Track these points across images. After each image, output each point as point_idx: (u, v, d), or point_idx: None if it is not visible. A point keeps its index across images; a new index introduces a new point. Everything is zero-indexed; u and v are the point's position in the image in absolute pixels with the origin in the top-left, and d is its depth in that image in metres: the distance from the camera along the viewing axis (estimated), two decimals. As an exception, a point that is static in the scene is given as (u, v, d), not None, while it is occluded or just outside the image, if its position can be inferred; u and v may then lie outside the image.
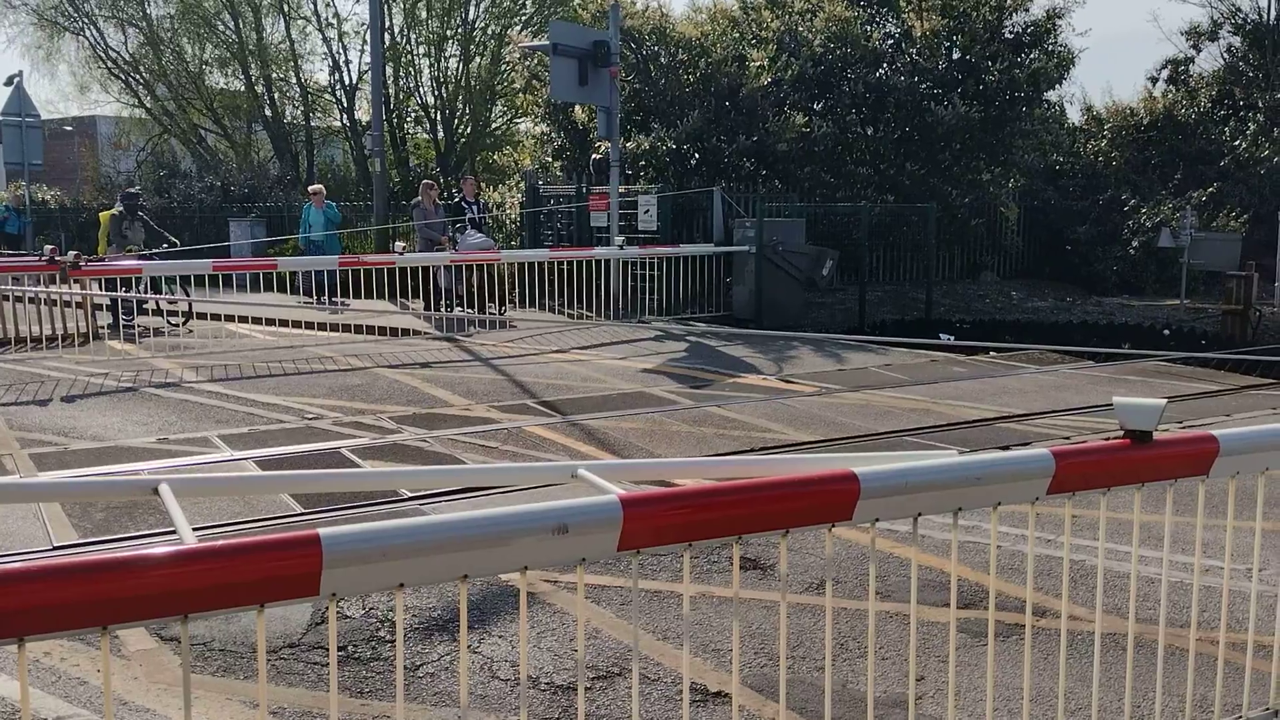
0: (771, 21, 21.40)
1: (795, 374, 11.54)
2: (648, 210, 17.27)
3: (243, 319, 14.87)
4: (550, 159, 22.13)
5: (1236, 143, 25.07)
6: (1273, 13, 27.12)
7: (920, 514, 2.63)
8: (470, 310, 15.53)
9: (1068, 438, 8.38)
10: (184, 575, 1.86)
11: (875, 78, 21.04)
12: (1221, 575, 3.77)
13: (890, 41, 22.19)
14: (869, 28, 21.62)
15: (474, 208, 17.30)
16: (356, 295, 15.26)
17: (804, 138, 19.71)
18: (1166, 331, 18.03)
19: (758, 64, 20.04)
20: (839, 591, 5.05)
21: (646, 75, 20.20)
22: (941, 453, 2.81)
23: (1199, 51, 28.86)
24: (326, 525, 2.10)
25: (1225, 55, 28.29)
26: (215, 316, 14.91)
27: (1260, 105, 26.23)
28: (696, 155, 19.70)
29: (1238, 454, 2.98)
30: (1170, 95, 27.42)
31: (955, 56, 21.76)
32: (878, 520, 2.53)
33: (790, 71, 20.24)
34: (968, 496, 2.66)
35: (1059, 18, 22.45)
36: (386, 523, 2.12)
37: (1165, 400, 2.86)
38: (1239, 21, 27.74)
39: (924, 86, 21.00)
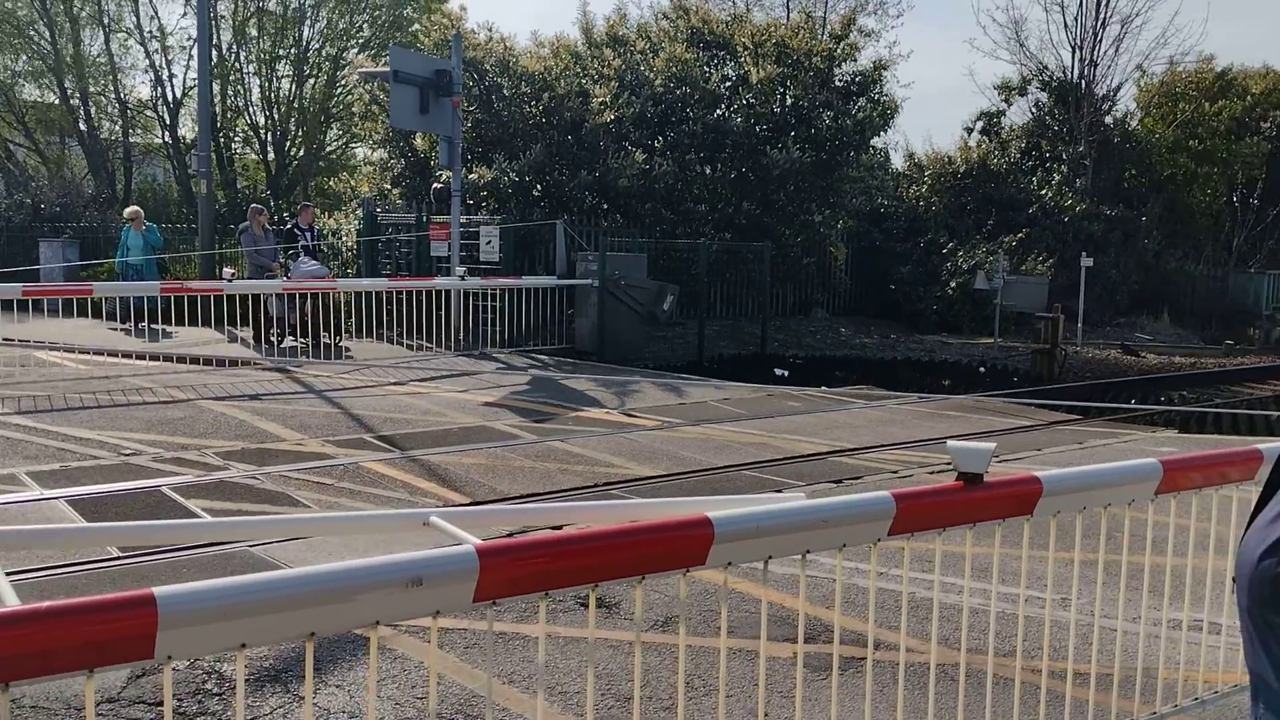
0: (614, 59, 21.73)
1: (637, 408, 11.63)
2: (490, 241, 17.17)
3: (53, 347, 13.94)
4: (389, 186, 21.75)
5: (1043, 191, 26.89)
6: (1075, 71, 29.33)
7: (771, 557, 2.68)
8: (303, 340, 15.03)
9: (896, 471, 8.74)
10: (5, 640, 1.71)
11: (714, 119, 21.62)
12: (1044, 606, 3.98)
13: (728, 84, 22.87)
14: (708, 70, 22.23)
15: (308, 234, 16.80)
16: (180, 323, 14.54)
17: (645, 174, 20.04)
18: (982, 369, 19.09)
19: (600, 100, 20.28)
20: (687, 630, 5.08)
21: (489, 106, 20.14)
22: (790, 497, 2.87)
23: (1010, 105, 30.92)
24: (151, 568, 1.98)
25: (1033, 110, 30.39)
26: (23, 343, 13.93)
27: (1064, 157, 28.26)
28: (539, 187, 19.74)
29: (1059, 494, 3.17)
30: (984, 146, 29.23)
31: (789, 102, 22.59)
32: (730, 564, 2.56)
33: (632, 109, 20.57)
34: (815, 539, 2.73)
35: (884, 69, 23.66)
36: (228, 580, 2.00)
37: (994, 444, 3.02)
38: (1046, 79, 29.85)
39: (760, 129, 21.71)
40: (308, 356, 14.42)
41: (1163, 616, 4.14)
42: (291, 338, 15.27)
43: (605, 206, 20.60)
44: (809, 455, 9.32)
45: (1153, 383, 18.19)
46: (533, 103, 20.14)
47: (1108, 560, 3.72)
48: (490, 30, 21.09)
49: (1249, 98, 30.62)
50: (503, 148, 19.87)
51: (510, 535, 4.19)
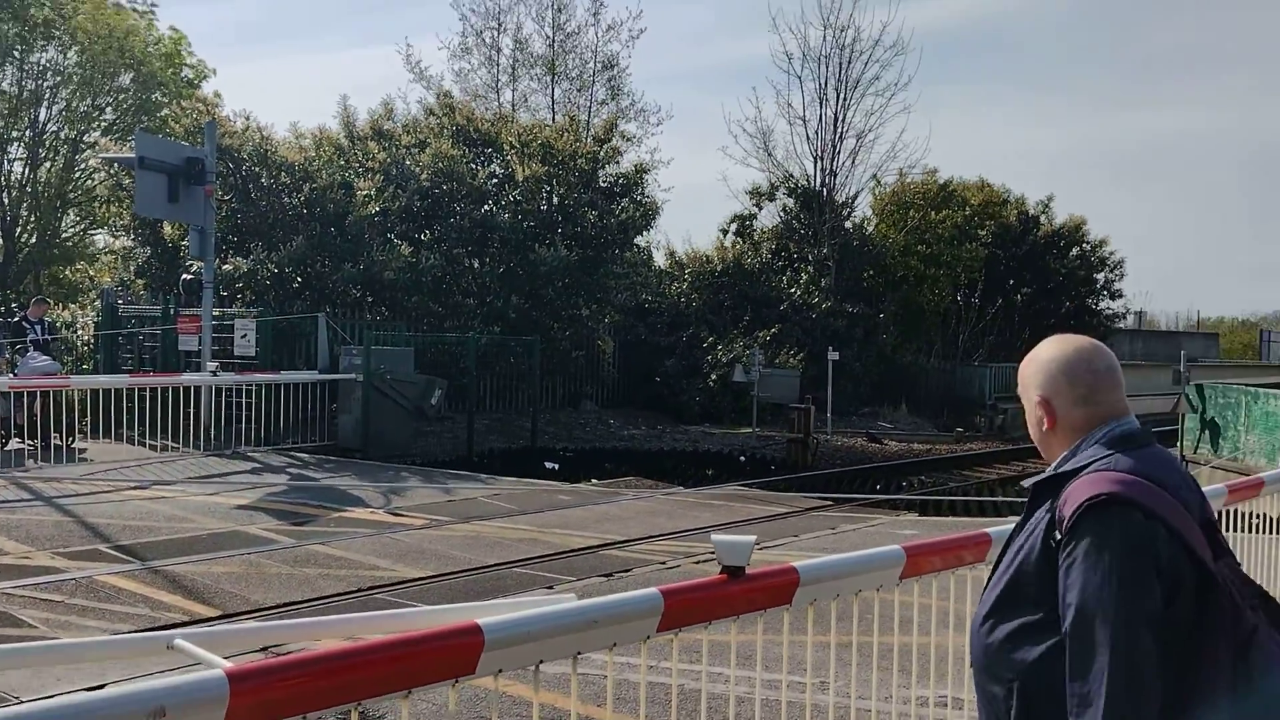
0: (378, 153, 21.58)
1: (404, 506, 11.31)
2: (245, 335, 16.41)
3: None
4: (133, 276, 20.49)
5: (793, 290, 28.60)
6: (818, 180, 31.59)
7: (542, 660, 2.66)
8: (32, 442, 13.74)
9: (664, 562, 8.88)
10: None
11: (481, 214, 21.79)
12: (805, 690, 4.11)
13: (495, 181, 23.17)
14: (475, 167, 22.46)
15: (38, 328, 15.50)
16: (-119, 425, 12.98)
17: (412, 267, 19.86)
18: (743, 458, 19.84)
19: (364, 192, 20.04)
20: (453, 737, 4.92)
21: (246, 196, 19.48)
22: (561, 597, 2.86)
23: (761, 209, 32.89)
24: None
25: (782, 213, 32.44)
26: None
27: (810, 258, 30.22)
28: (300, 279, 19.15)
29: (814, 583, 3.32)
30: (739, 246, 30.86)
31: (555, 201, 23.13)
32: (501, 671, 2.52)
33: (398, 202, 20.43)
34: (586, 640, 2.73)
35: (645, 172, 24.70)
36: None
37: (754, 537, 3.14)
38: (792, 186, 31.99)
39: (528, 226, 22.05)
40: (36, 460, 13.18)
41: (911, 695, 4.38)
42: (18, 440, 13.94)
43: (370, 299, 20.21)
44: (580, 549, 9.33)
45: (895, 468, 19.47)
46: (293, 193, 19.63)
47: (861, 642, 3.91)
48: (248, 119, 20.52)
49: (968, 208, 33.94)
50: (261, 238, 19.19)
51: (265, 653, 3.97)
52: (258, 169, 19.53)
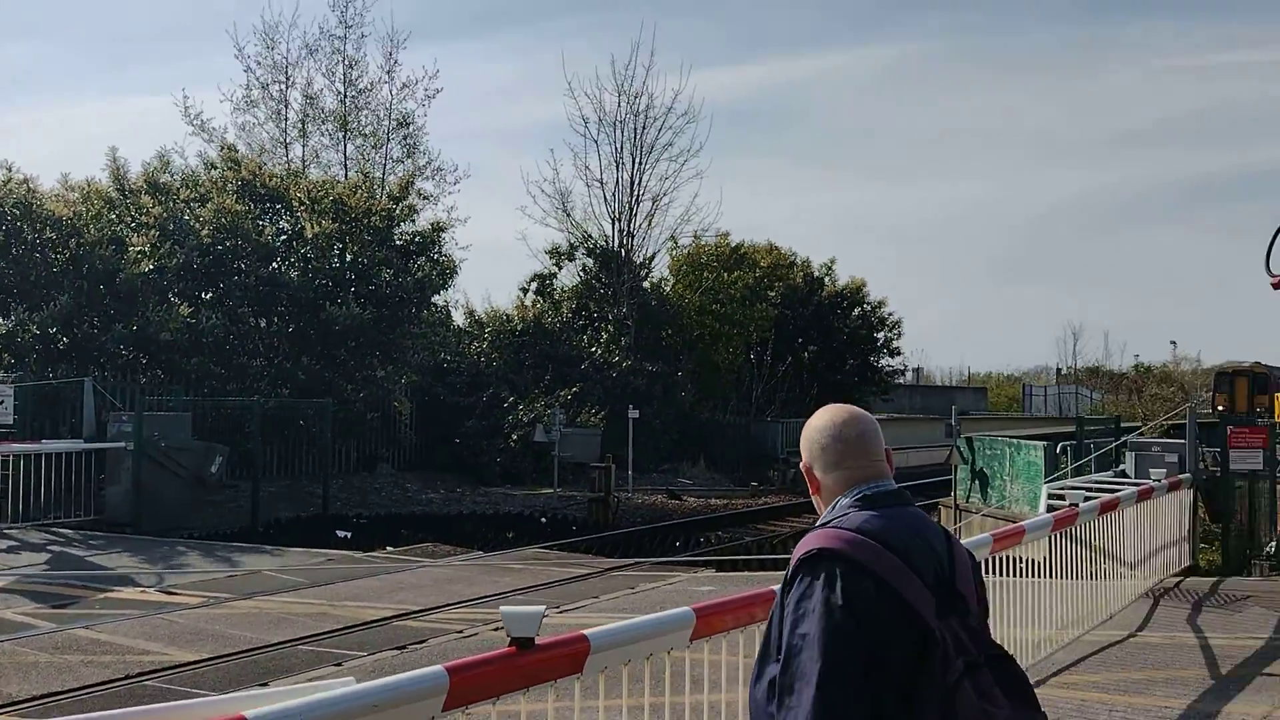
0: (154, 207, 20.46)
1: (180, 583, 10.59)
2: (3, 401, 15.10)
3: None
4: None
5: (594, 349, 28.87)
6: (616, 240, 32.17)
7: (316, 752, 2.50)
8: None
9: (461, 630, 8.65)
10: None
11: (268, 272, 20.97)
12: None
13: (284, 238, 22.39)
14: (261, 222, 21.63)
15: None
16: None
17: (191, 328, 18.85)
18: (544, 519, 19.70)
19: (139, 249, 18.93)
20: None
21: (8, 252, 18.04)
22: (340, 681, 2.72)
23: (560, 269, 33.14)
24: None
25: (581, 273, 32.79)
26: None
27: (610, 317, 30.64)
28: (66, 340, 17.82)
29: (605, 650, 3.30)
30: (539, 305, 30.95)
31: (348, 259, 22.54)
32: (270, 766, 2.35)
33: (176, 259, 19.39)
34: (365, 726, 2.60)
35: (442, 231, 24.50)
36: None
37: (543, 607, 3.09)
38: (591, 246, 32.44)
39: (318, 284, 21.37)
40: None
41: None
42: None
43: (145, 362, 19.02)
44: (372, 622, 8.97)
45: (694, 524, 19.79)
46: (59, 249, 18.32)
47: (654, 703, 3.90)
48: (10, 170, 19.05)
49: (758, 269, 35.34)
50: (23, 297, 17.78)
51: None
52: (21, 224, 18.13)
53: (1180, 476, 11.66)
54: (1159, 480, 11.17)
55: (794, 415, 31.04)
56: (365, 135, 29.82)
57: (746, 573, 12.95)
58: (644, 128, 30.65)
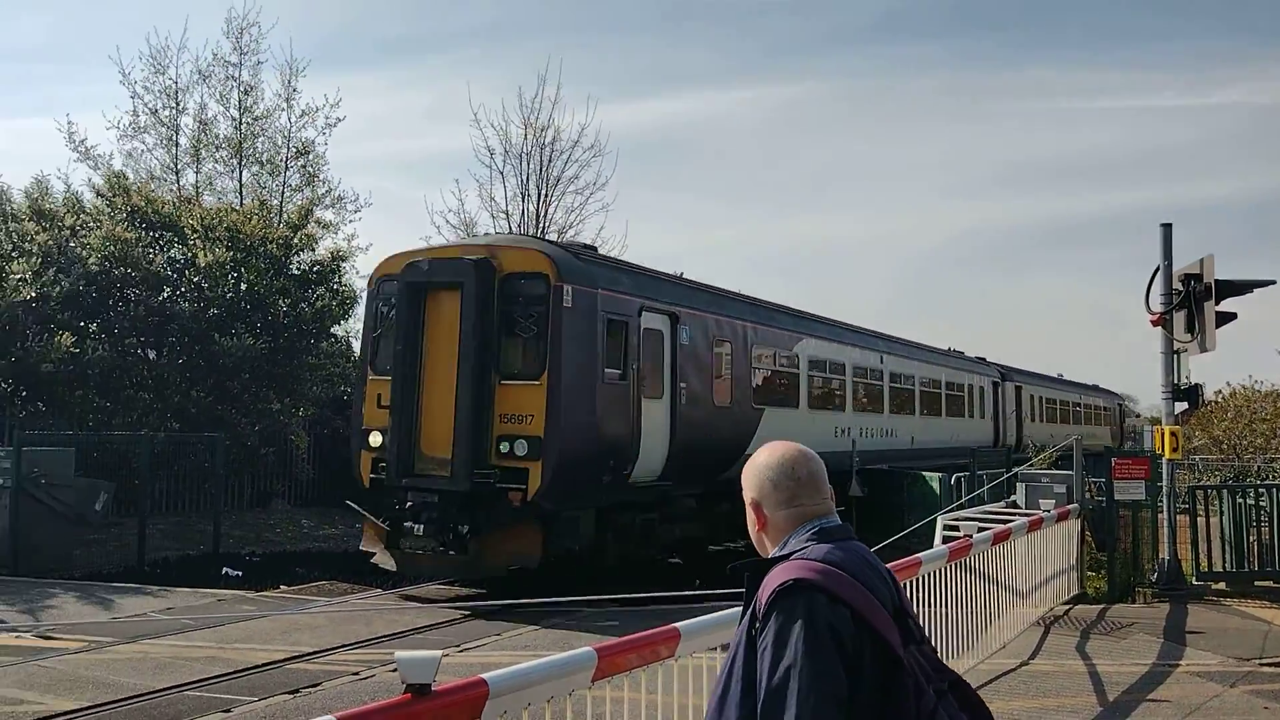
0: (37, 234, 19.66)
1: (59, 627, 10.08)
2: None
3: None
4: None
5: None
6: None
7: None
8: None
9: (358, 673, 8.41)
10: None
11: (159, 302, 20.28)
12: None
13: (176, 266, 21.70)
14: (151, 250, 20.93)
15: None
16: None
17: (75, 359, 18.10)
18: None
19: (19, 277, 18.13)
20: None
21: None
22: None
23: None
24: None
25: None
26: None
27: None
28: (-64, 373, 16.93)
29: (505, 694, 3.23)
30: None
31: (243, 288, 21.94)
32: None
33: (60, 288, 18.63)
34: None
35: (344, 260, 24.04)
36: None
37: (441, 653, 3.01)
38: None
39: (211, 314, 20.75)
40: None
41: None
42: None
43: (24, 394, 18.18)
44: (264, 665, 8.66)
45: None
46: (-69, 276, 17.46)
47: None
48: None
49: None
50: (-112, 326, 16.85)
51: None
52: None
53: (1068, 507, 12.04)
54: (1048, 511, 11.52)
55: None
56: (262, 163, 29.09)
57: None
58: (550, 160, 30.61)
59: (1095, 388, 47.22)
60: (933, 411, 25.51)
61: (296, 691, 7.77)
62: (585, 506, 12.49)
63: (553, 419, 11.79)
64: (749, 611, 2.30)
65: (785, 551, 2.35)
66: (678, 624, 4.14)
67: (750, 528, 2.51)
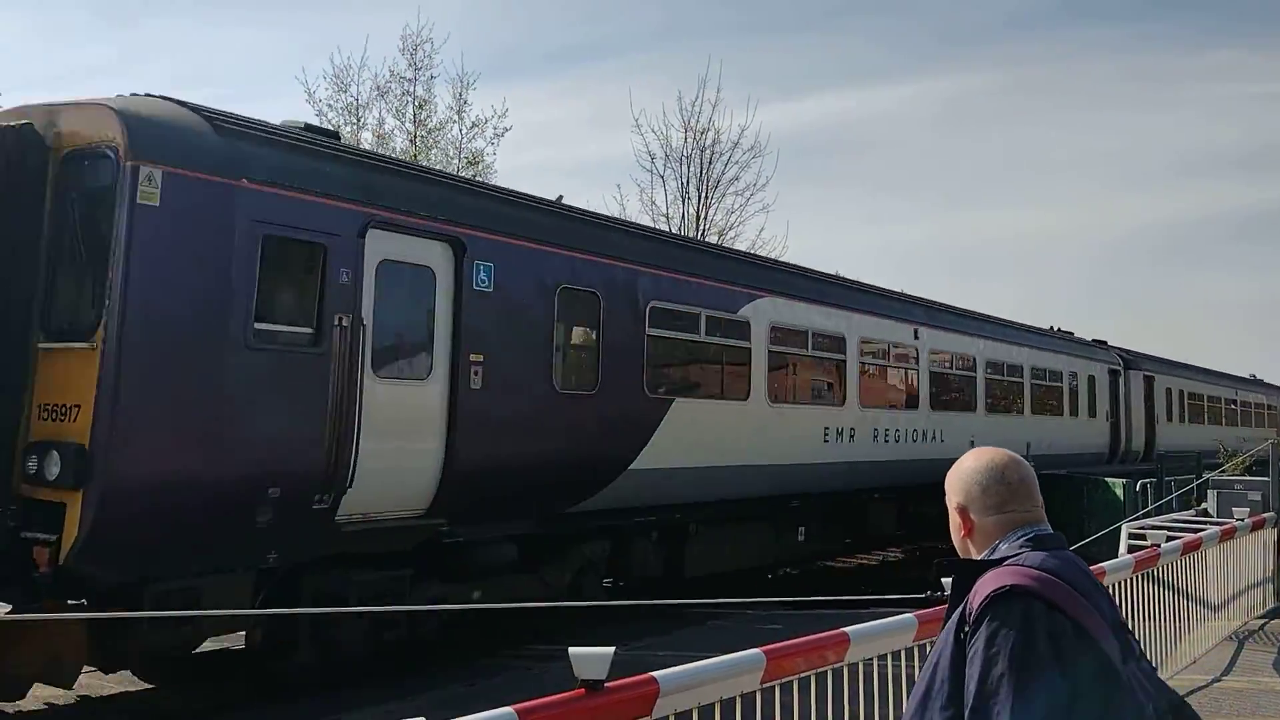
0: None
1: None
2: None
3: None
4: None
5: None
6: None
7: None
8: None
9: (529, 668, 8.62)
10: None
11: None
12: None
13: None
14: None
15: None
16: None
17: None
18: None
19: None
20: None
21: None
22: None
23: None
24: None
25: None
26: None
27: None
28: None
29: (675, 693, 3.28)
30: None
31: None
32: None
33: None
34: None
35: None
36: None
37: (613, 649, 3.09)
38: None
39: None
40: None
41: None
42: None
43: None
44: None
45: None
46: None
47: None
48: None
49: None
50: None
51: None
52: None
53: (1264, 515, 11.29)
54: (1242, 519, 10.83)
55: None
56: (434, 174, 30.38)
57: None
58: (710, 163, 30.70)
59: (1255, 381, 40.14)
60: (1004, 407, 19.00)
61: (473, 684, 8.03)
62: (206, 571, 7.21)
63: (108, 409, 6.61)
64: (956, 613, 2.22)
65: (996, 556, 2.28)
66: (847, 628, 4.11)
67: (954, 533, 2.45)
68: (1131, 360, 25.45)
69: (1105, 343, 25.23)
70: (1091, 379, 22.68)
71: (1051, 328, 23.40)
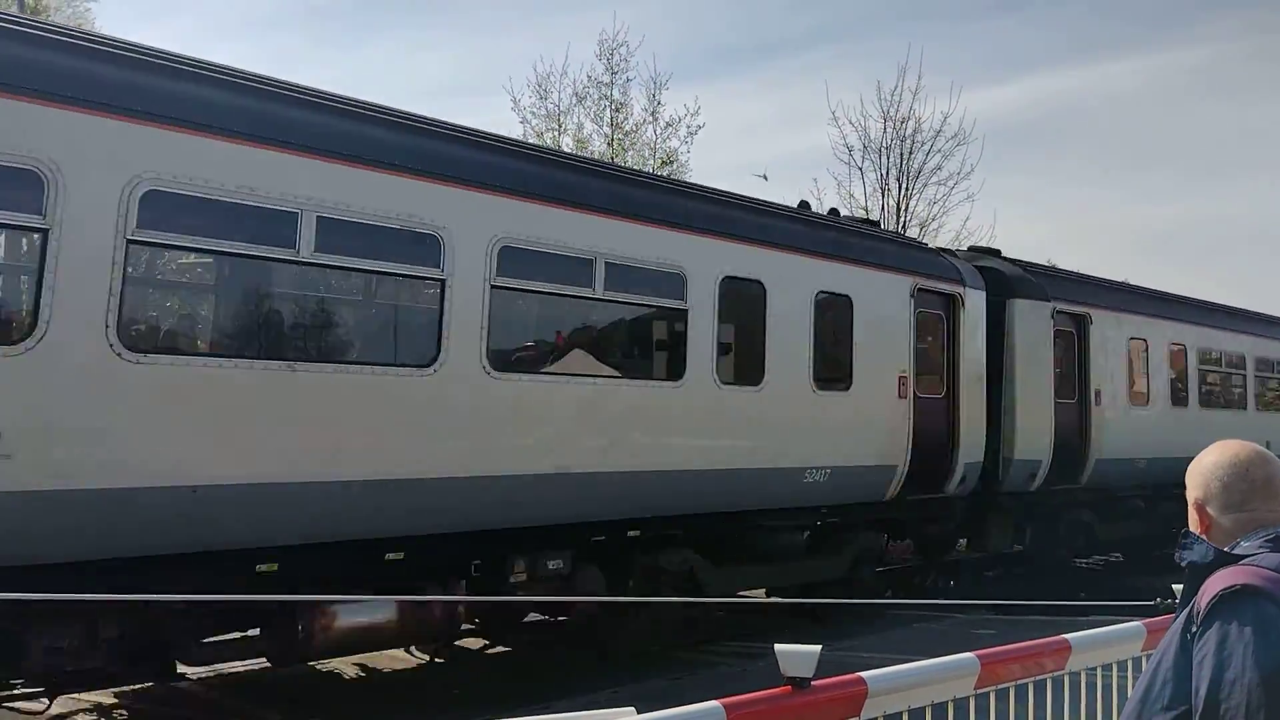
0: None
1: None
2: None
3: None
4: None
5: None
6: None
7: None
8: None
9: (730, 665, 8.62)
10: None
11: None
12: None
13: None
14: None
15: None
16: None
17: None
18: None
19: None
20: None
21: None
22: (621, 712, 2.80)
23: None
24: None
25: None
26: None
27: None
28: None
29: (884, 694, 3.20)
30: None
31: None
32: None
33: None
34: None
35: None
36: None
37: (819, 647, 3.04)
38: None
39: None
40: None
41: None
42: None
43: None
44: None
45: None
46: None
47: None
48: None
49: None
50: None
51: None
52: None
53: None
54: None
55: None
56: (631, 175, 30.92)
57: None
58: (910, 153, 29.83)
59: None
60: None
61: (679, 678, 8.10)
62: None
63: None
64: (1185, 612, 2.11)
65: (1236, 554, 2.14)
66: (1069, 635, 3.90)
67: (1191, 527, 2.30)
68: None
69: None
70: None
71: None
